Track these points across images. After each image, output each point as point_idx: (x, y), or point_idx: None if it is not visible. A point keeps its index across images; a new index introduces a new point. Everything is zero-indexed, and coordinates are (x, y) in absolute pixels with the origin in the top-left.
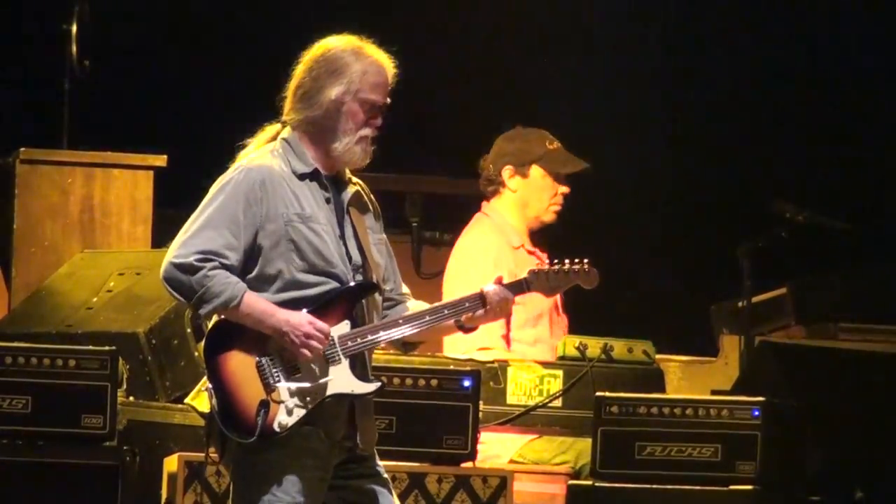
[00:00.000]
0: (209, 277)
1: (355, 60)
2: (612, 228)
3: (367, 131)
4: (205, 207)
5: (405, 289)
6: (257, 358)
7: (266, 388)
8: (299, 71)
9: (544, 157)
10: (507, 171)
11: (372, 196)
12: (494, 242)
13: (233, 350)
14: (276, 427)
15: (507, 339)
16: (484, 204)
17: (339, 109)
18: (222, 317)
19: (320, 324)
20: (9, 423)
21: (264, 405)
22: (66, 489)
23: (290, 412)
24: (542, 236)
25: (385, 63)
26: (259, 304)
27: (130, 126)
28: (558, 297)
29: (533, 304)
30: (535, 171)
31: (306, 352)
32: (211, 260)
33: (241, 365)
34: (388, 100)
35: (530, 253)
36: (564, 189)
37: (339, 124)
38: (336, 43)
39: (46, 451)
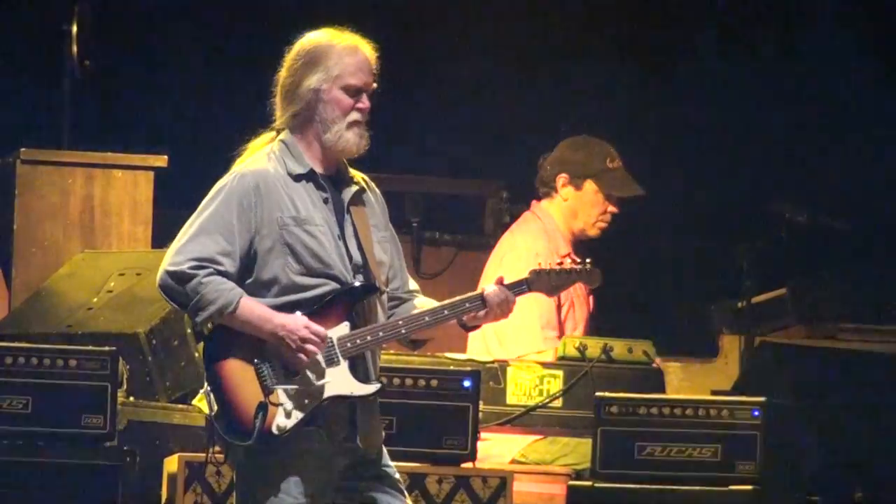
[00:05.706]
0: (203, 285)
1: (330, 48)
2: (612, 228)
3: (355, 116)
4: (199, 214)
5: (413, 285)
6: (255, 361)
7: (264, 391)
8: (282, 73)
9: (601, 175)
10: (561, 179)
11: (377, 191)
12: (543, 248)
13: (231, 353)
14: (274, 430)
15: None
16: (534, 203)
17: (321, 98)
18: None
19: (316, 327)
20: (9, 423)
21: (262, 408)
22: (66, 489)
23: (288, 415)
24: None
25: (362, 45)
26: (255, 309)
27: (130, 126)
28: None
29: (581, 311)
30: (589, 185)
31: (303, 356)
32: (205, 266)
33: (239, 368)
34: (375, 84)
35: None
36: (613, 209)
37: (325, 114)
38: (311, 35)
39: (46, 451)
